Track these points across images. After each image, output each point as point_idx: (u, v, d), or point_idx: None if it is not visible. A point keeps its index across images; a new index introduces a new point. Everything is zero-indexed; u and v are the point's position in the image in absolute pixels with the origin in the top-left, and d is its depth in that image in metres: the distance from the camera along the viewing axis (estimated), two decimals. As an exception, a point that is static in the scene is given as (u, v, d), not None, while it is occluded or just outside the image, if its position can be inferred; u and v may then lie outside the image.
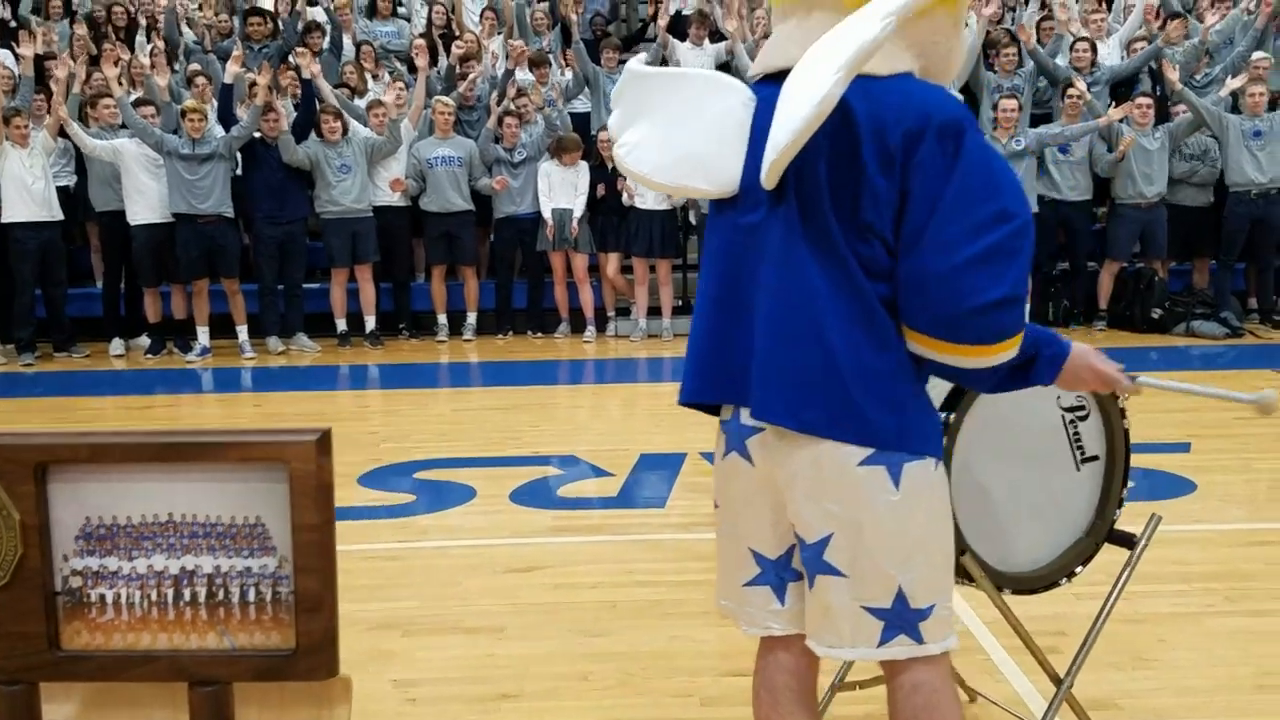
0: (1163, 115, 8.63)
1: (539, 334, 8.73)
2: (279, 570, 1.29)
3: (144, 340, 8.19)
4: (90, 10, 10.53)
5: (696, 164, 1.79)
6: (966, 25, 1.96)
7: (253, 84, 8.10)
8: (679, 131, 1.81)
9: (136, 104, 7.77)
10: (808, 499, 1.72)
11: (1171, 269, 8.83)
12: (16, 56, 8.82)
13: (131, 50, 9.57)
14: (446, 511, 4.44)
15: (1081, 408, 2.51)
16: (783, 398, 1.70)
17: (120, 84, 8.02)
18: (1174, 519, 4.33)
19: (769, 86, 1.76)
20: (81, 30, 9.62)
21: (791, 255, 1.71)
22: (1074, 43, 8.69)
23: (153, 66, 8.53)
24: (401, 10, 10.91)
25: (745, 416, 1.78)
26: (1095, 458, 2.54)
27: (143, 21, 10.12)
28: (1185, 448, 5.34)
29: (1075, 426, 2.50)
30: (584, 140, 8.72)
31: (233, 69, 8.10)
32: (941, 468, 1.78)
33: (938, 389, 2.04)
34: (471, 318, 8.73)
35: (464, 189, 8.42)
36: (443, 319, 8.67)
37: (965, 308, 1.63)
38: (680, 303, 8.87)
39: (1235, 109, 8.35)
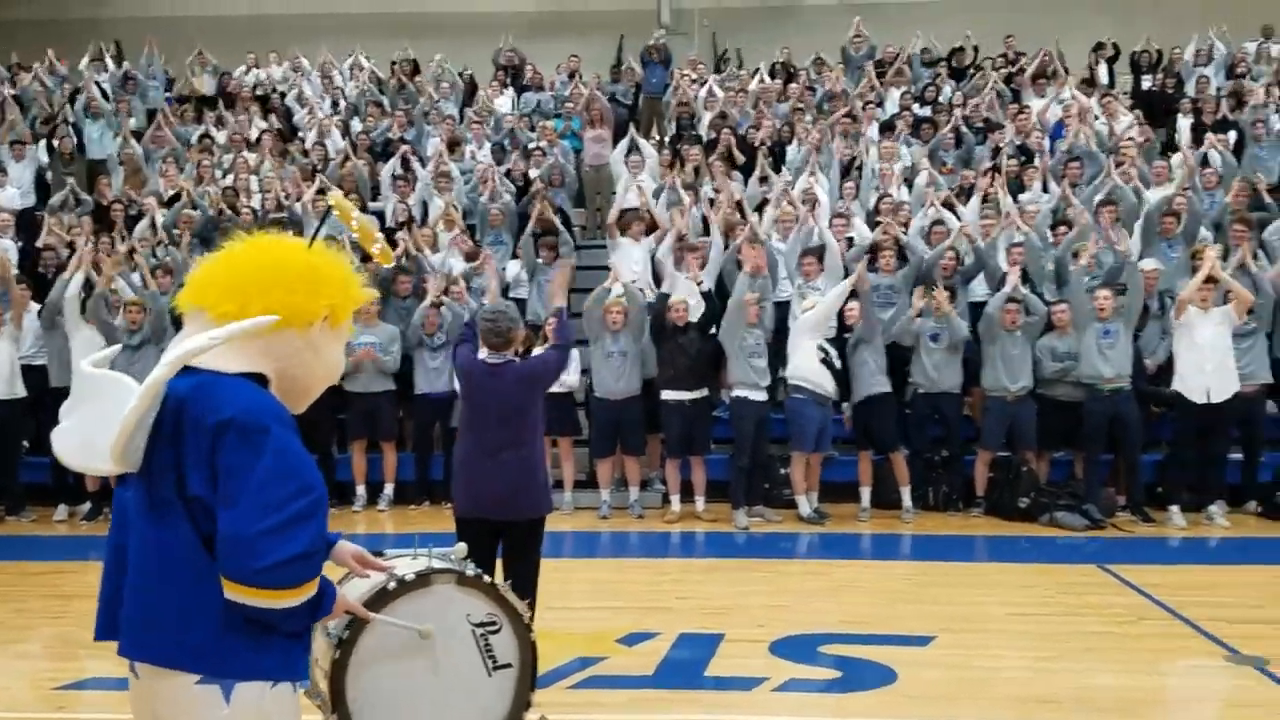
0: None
1: (449, 504, 9.38)
2: None
3: (85, 506, 9.11)
4: (101, 202, 11.93)
5: (97, 447, 2.31)
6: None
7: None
8: (91, 422, 2.37)
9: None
10: (162, 713, 2.25)
11: (1055, 459, 9.19)
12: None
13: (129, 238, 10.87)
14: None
15: (493, 622, 3.08)
16: (139, 639, 2.25)
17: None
18: (829, 713, 4.78)
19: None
20: (77, 224, 11.05)
21: (148, 523, 2.25)
22: (945, 250, 9.34)
23: (128, 258, 9.66)
24: (374, 205, 12.10)
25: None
26: (508, 665, 3.09)
27: (153, 208, 11.33)
28: (925, 641, 5.71)
29: (487, 639, 3.07)
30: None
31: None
32: (283, 688, 2.25)
33: None
34: (388, 489, 9.46)
35: (383, 372, 9.29)
36: (361, 490, 9.41)
37: (266, 563, 2.11)
38: (584, 477, 9.49)
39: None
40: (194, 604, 2.19)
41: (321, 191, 11.05)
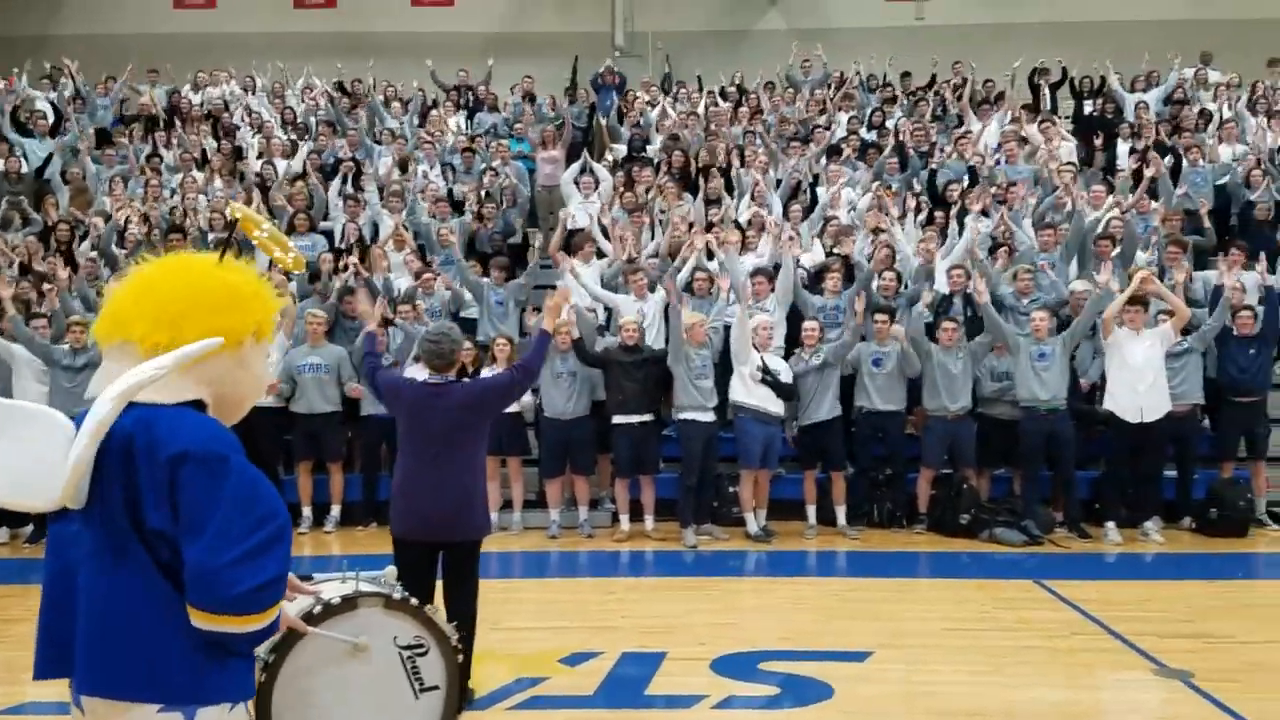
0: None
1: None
2: None
3: (28, 529, 9.00)
4: (46, 223, 11.81)
5: (30, 484, 2.27)
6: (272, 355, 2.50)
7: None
8: (16, 458, 2.30)
9: (31, 317, 8.79)
10: None
11: (996, 476, 9.34)
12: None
13: (72, 260, 10.77)
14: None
15: (421, 645, 3.11)
16: (99, 674, 2.23)
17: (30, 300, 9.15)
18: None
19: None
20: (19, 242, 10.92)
21: (101, 558, 2.24)
22: (882, 271, 9.48)
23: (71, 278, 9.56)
24: (324, 225, 12.07)
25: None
26: (435, 687, 3.13)
27: (99, 226, 11.20)
28: (863, 657, 5.80)
29: (414, 661, 3.10)
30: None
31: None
32: (239, 709, 2.30)
33: None
34: (335, 510, 9.43)
35: (329, 393, 9.26)
36: (307, 511, 9.37)
37: (236, 592, 2.15)
38: (533, 496, 9.52)
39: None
40: (155, 634, 2.20)
41: (270, 210, 11.02)
